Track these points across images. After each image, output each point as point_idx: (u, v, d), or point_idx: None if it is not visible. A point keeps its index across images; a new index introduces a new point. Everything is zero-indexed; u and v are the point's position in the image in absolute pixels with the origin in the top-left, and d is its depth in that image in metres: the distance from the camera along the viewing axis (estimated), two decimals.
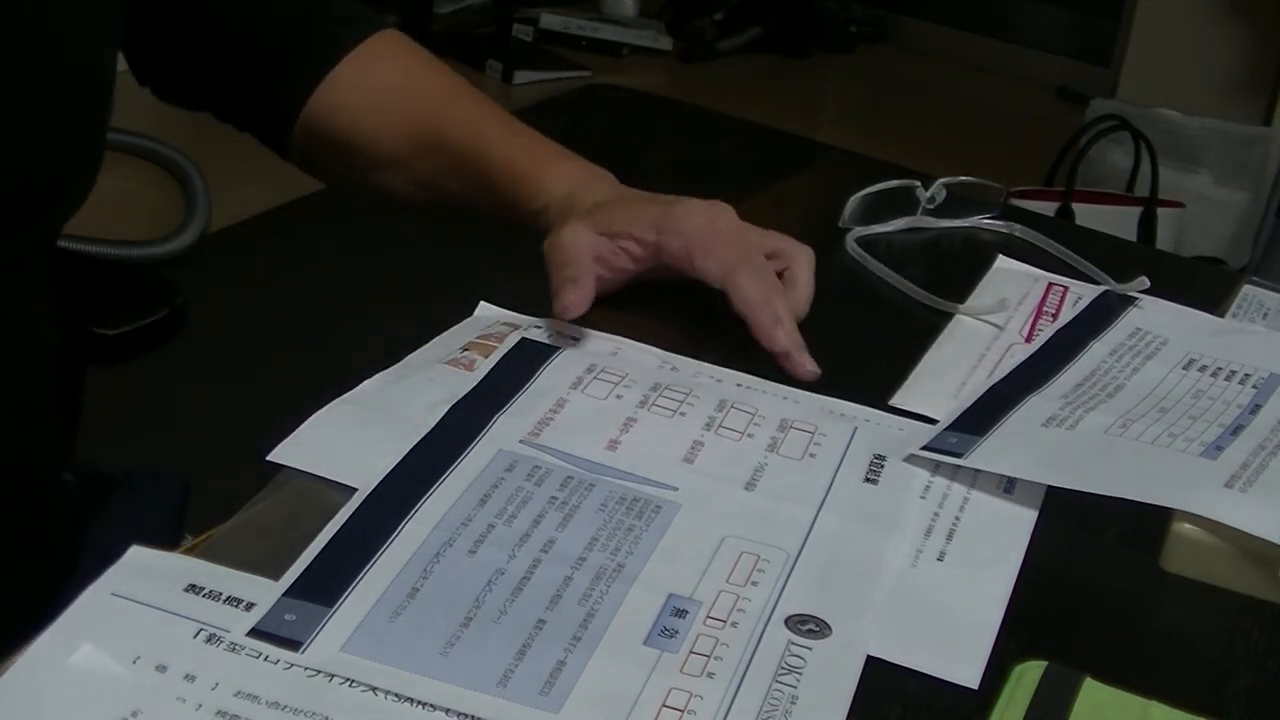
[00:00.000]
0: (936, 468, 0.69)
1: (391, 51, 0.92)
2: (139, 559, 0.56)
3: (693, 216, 0.78)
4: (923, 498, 0.67)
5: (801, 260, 0.82)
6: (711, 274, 0.77)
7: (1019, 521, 0.66)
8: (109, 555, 0.56)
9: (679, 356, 0.77)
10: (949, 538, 0.65)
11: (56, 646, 0.51)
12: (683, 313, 0.79)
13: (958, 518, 0.66)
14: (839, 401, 0.75)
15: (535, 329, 0.77)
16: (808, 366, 0.76)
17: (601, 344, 0.77)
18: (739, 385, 0.75)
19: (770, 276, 0.79)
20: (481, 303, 0.81)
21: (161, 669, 0.51)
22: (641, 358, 0.77)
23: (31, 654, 0.51)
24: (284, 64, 0.89)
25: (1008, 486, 0.68)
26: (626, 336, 0.78)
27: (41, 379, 0.85)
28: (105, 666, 0.51)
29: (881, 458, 0.70)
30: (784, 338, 0.76)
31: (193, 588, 0.55)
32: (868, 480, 0.68)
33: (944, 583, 0.62)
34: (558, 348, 0.76)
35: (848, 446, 0.70)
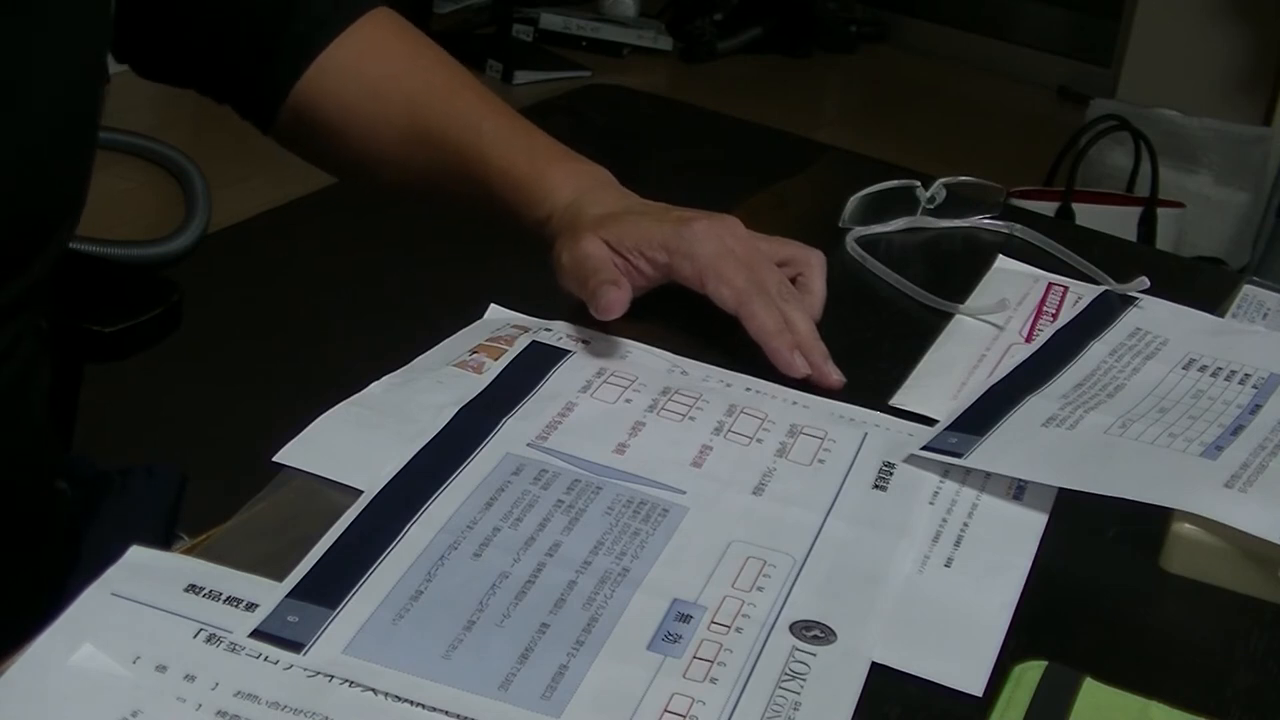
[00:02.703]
0: (946, 473, 0.69)
1: (387, 35, 0.90)
2: (139, 559, 0.56)
3: (703, 240, 0.78)
4: (931, 504, 0.67)
5: (814, 265, 0.83)
6: (725, 301, 0.77)
7: (1028, 527, 0.66)
8: (107, 553, 0.56)
9: (689, 360, 0.77)
10: (957, 544, 0.65)
11: (56, 646, 0.51)
12: (694, 316, 0.78)
13: (966, 524, 0.66)
14: (849, 406, 0.74)
15: (545, 332, 0.77)
16: (833, 376, 0.76)
17: (611, 347, 0.76)
18: (749, 390, 0.75)
19: (786, 289, 0.79)
20: (492, 305, 0.80)
21: (161, 669, 0.51)
22: (652, 361, 0.76)
23: (31, 654, 0.51)
24: (272, 44, 0.87)
25: (1017, 493, 0.68)
26: (637, 340, 0.77)
27: (35, 414, 0.83)
28: (105, 666, 0.51)
29: (890, 465, 0.69)
30: (802, 364, 0.76)
31: (193, 588, 0.55)
32: (876, 487, 0.68)
33: (951, 589, 0.62)
34: (567, 351, 0.75)
35: (857, 453, 0.70)
